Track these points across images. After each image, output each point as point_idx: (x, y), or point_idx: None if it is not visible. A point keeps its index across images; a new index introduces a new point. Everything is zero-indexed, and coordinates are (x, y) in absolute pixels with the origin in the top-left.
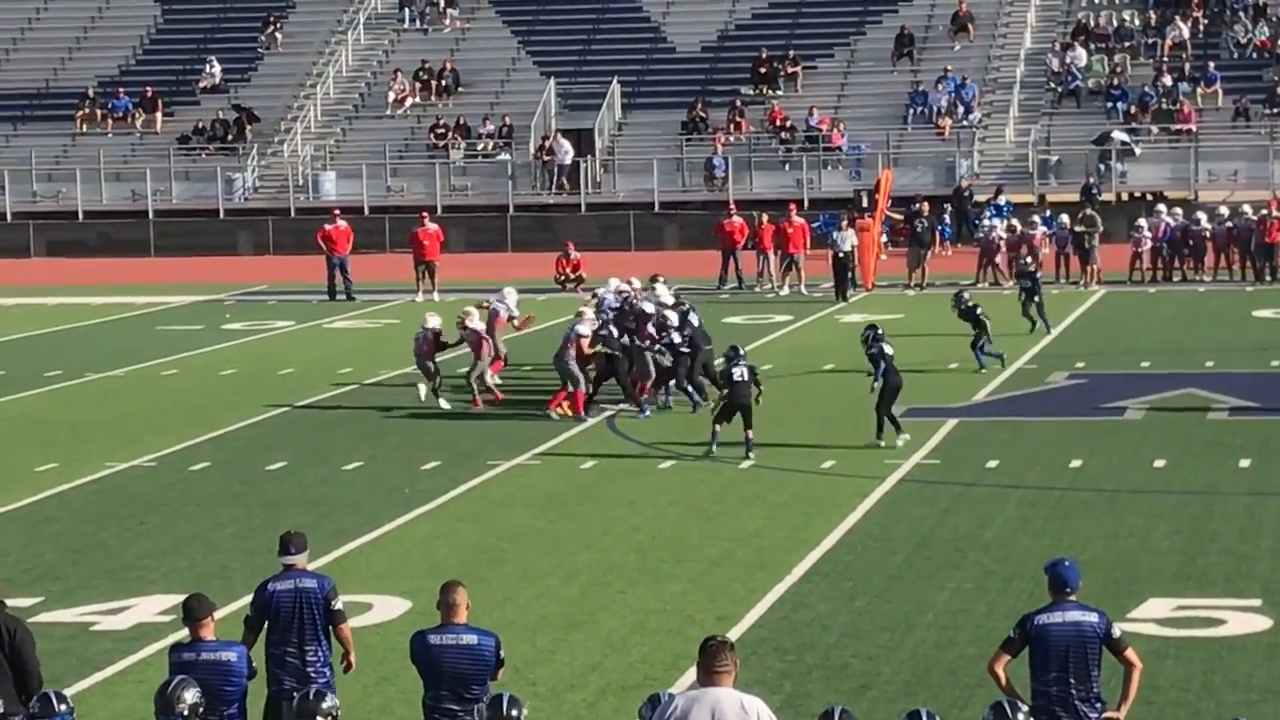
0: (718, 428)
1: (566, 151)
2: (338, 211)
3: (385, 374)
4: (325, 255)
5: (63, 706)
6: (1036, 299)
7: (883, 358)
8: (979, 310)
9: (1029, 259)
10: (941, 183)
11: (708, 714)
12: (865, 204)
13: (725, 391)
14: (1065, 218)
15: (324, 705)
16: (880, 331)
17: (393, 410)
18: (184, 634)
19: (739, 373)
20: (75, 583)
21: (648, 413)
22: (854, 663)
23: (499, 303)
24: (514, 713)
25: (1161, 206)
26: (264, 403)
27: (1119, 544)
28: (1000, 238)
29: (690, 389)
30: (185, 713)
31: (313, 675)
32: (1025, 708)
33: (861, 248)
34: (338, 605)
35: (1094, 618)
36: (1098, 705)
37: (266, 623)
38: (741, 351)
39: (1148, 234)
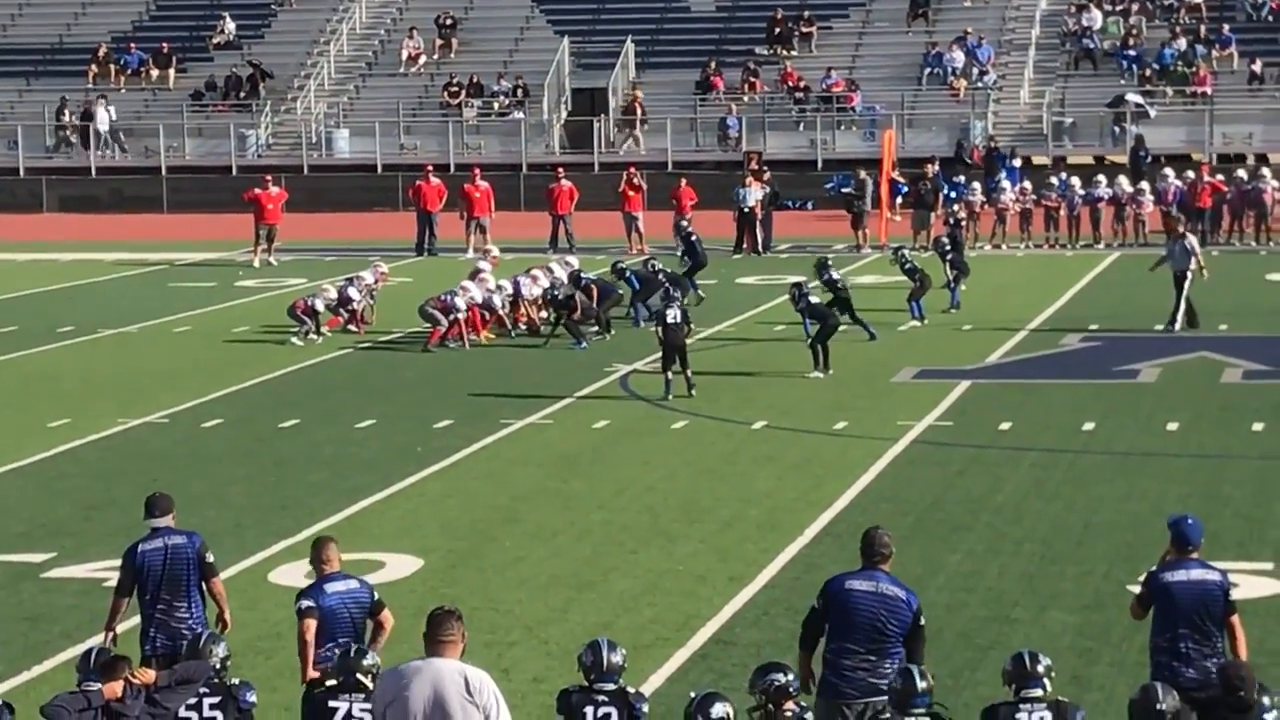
0: (668, 376)
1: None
2: (430, 168)
3: (398, 331)
4: (416, 210)
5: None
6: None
7: (811, 310)
8: (918, 271)
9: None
10: (956, 144)
11: (428, 685)
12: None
13: (660, 334)
14: (1076, 181)
15: (216, 649)
16: (806, 289)
17: (405, 368)
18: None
19: (672, 315)
20: (87, 539)
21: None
22: None
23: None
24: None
25: (1169, 170)
26: (276, 360)
27: (1131, 507)
28: (980, 201)
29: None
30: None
31: (185, 633)
32: (1046, 660)
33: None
34: (210, 558)
35: (1217, 576)
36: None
37: (137, 586)
38: (675, 294)
39: (1150, 198)
